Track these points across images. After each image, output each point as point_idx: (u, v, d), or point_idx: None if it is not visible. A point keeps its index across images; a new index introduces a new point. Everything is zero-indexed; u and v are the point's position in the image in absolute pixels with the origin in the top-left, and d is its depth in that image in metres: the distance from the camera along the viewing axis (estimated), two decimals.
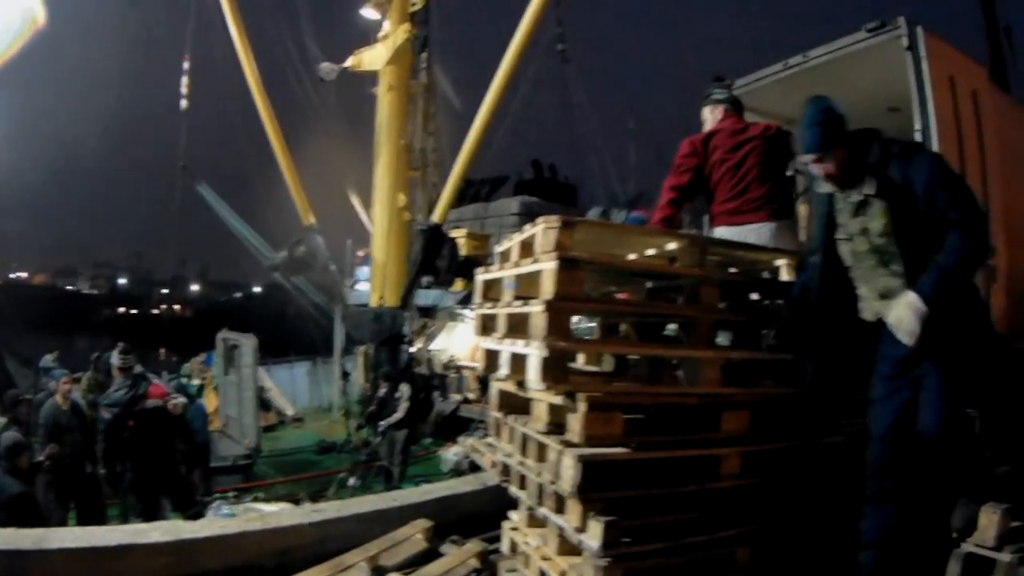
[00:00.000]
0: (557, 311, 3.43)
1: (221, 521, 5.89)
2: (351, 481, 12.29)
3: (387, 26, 15.80)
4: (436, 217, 14.53)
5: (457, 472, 10.77)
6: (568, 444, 3.50)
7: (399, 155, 14.96)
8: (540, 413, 3.84)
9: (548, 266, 3.50)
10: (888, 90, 6.71)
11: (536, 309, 3.48)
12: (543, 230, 3.69)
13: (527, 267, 3.83)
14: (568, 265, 3.47)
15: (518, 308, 3.85)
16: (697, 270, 4.03)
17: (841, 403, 4.49)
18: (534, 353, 3.47)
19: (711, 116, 5.50)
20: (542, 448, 3.82)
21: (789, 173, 5.46)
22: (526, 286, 3.93)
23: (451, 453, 12.37)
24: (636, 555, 3.47)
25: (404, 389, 12.21)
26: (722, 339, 4.24)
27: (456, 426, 14.15)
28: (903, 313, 3.36)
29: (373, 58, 15.79)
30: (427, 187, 15.34)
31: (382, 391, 12.64)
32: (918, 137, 6.20)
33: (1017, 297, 7.03)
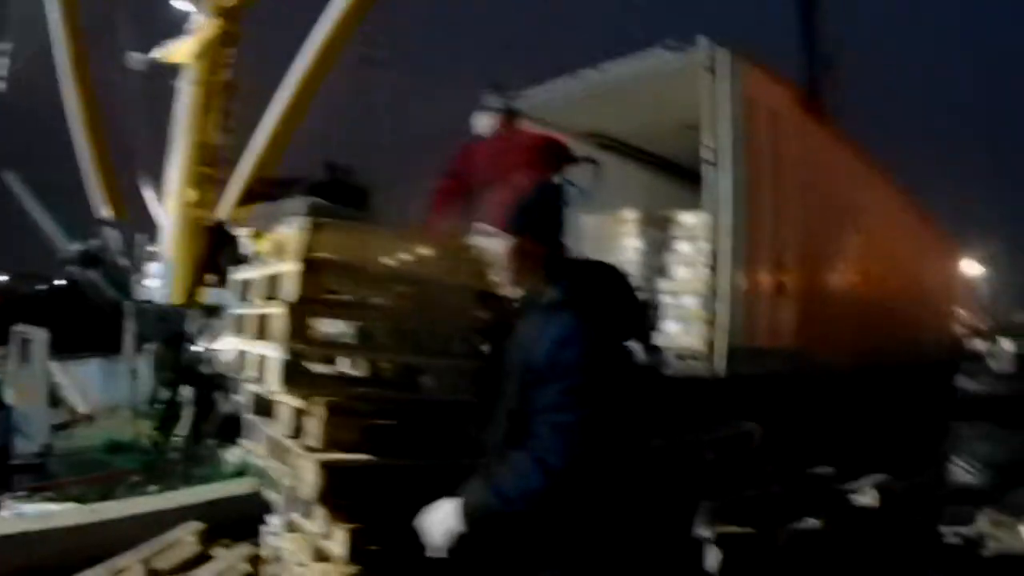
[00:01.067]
0: (298, 314, 3.35)
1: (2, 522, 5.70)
2: (150, 487, 11.91)
3: (198, 19, 15.38)
4: (223, 215, 14.22)
5: (239, 474, 10.59)
6: (310, 449, 3.42)
7: (194, 150, 14.54)
8: (285, 417, 3.76)
9: (292, 268, 3.42)
10: (686, 108, 6.67)
11: (277, 311, 3.40)
12: (292, 231, 3.61)
13: (274, 268, 3.75)
14: (312, 267, 3.40)
15: (264, 309, 3.77)
16: (449, 276, 4.00)
17: None
18: (275, 356, 3.39)
19: (484, 124, 5.50)
20: (288, 452, 3.74)
21: (557, 182, 5.50)
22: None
23: (232, 455, 12.10)
24: (385, 561, 3.42)
25: (186, 392, 11.94)
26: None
27: (239, 427, 13.81)
28: (432, 522, 2.53)
29: (181, 51, 15.31)
30: (219, 184, 14.92)
31: (166, 393, 12.34)
32: (707, 155, 6.30)
33: (809, 312, 7.28)
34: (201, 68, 14.86)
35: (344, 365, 4.67)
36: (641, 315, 2.91)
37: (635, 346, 2.62)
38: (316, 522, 3.54)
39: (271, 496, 4.40)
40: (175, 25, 15.74)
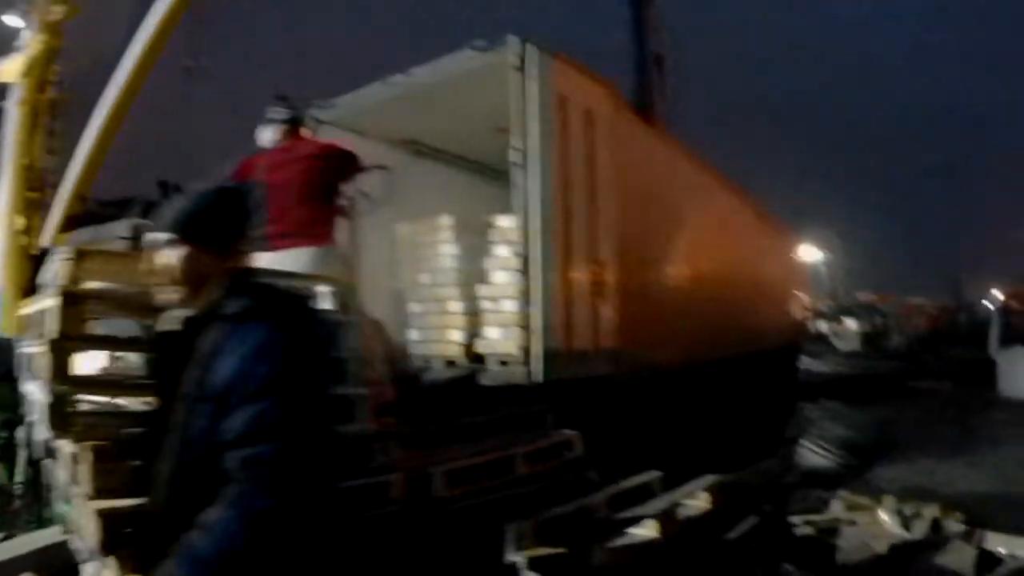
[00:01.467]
0: (59, 351, 3.14)
1: None
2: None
3: (26, 35, 14.75)
4: (47, 241, 13.73)
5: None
6: (88, 496, 3.24)
7: (20, 174, 13.94)
8: (65, 462, 3.54)
9: (52, 302, 3.22)
10: (498, 110, 6.56)
11: (40, 349, 3.22)
12: (57, 262, 3.42)
13: (41, 303, 3.56)
14: (71, 301, 3.20)
15: (35, 348, 3.58)
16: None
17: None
18: (41, 397, 3.21)
19: (267, 136, 5.34)
20: (75, 500, 3.55)
21: (348, 195, 5.40)
22: None
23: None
24: None
25: (21, 433, 11.46)
26: None
27: None
28: None
29: (9, 69, 14.66)
30: (45, 209, 14.34)
31: (3, 433, 11.80)
32: (514, 156, 6.20)
33: (634, 312, 7.27)
34: (27, 86, 14.26)
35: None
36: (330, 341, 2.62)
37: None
38: (110, 571, 3.36)
39: (76, 544, 4.19)
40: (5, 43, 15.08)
